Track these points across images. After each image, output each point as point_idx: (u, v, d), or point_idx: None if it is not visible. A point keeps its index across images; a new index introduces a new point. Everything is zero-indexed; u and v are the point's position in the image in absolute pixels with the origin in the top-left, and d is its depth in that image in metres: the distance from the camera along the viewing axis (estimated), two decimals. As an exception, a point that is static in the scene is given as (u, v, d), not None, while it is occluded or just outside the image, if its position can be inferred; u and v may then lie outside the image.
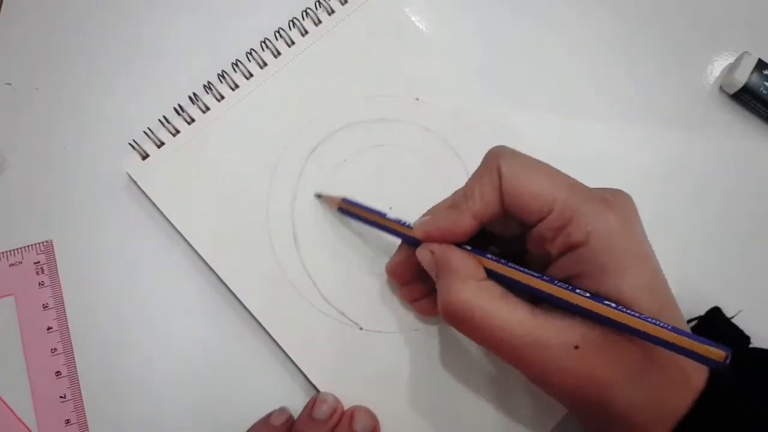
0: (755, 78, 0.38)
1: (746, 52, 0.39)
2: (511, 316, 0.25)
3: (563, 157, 0.29)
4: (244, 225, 0.35)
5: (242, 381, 0.34)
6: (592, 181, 0.27)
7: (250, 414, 0.32)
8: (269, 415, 0.32)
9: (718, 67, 0.40)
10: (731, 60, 0.40)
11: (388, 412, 0.32)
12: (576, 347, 0.24)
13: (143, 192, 0.35)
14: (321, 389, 0.32)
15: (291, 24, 0.38)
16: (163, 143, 0.36)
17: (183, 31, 0.40)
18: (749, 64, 0.38)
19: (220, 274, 0.34)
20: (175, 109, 0.36)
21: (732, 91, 0.39)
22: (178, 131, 0.36)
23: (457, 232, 0.28)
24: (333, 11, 0.39)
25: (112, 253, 0.35)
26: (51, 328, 0.34)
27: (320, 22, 0.39)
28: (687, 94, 0.40)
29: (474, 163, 0.28)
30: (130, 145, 0.35)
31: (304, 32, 0.38)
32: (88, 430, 0.32)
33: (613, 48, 0.41)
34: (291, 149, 0.36)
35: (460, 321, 0.26)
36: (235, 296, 0.34)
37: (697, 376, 0.26)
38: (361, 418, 0.31)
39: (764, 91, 0.38)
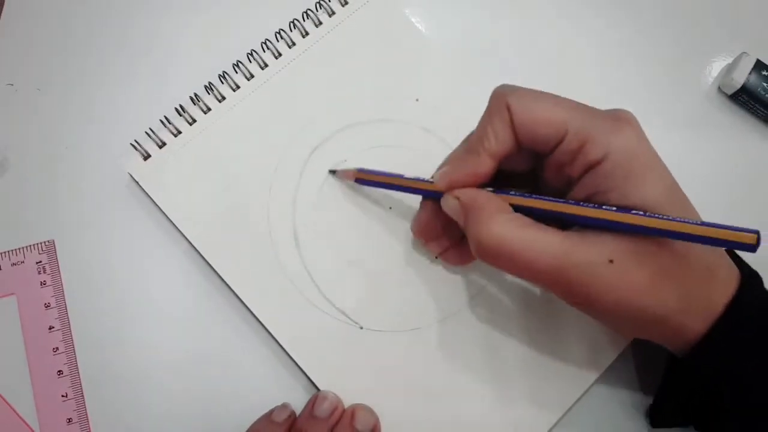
0: (753, 78, 0.38)
1: (744, 52, 0.39)
2: (546, 241, 0.26)
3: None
4: (246, 225, 0.35)
5: (243, 379, 0.34)
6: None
7: (251, 412, 0.32)
8: (271, 412, 0.32)
9: (716, 67, 0.41)
10: (729, 60, 0.40)
11: (388, 410, 0.32)
12: (611, 261, 0.25)
13: (145, 192, 0.35)
14: (321, 388, 0.33)
15: (291, 26, 0.38)
16: (164, 143, 0.36)
17: (183, 32, 0.40)
18: (747, 64, 0.39)
19: (221, 274, 0.34)
20: (177, 110, 0.36)
21: (730, 91, 0.39)
22: (179, 132, 0.36)
23: (478, 174, 0.28)
24: (333, 12, 0.39)
25: (113, 252, 0.35)
26: (53, 327, 0.34)
27: (320, 23, 0.39)
28: (685, 94, 0.40)
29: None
30: (132, 145, 0.36)
31: (305, 33, 0.39)
32: (90, 428, 0.33)
33: (611, 49, 0.41)
34: (292, 149, 0.37)
35: (496, 255, 0.26)
36: (236, 296, 0.34)
37: (729, 279, 0.27)
38: (362, 416, 0.31)
39: (762, 92, 0.38)
